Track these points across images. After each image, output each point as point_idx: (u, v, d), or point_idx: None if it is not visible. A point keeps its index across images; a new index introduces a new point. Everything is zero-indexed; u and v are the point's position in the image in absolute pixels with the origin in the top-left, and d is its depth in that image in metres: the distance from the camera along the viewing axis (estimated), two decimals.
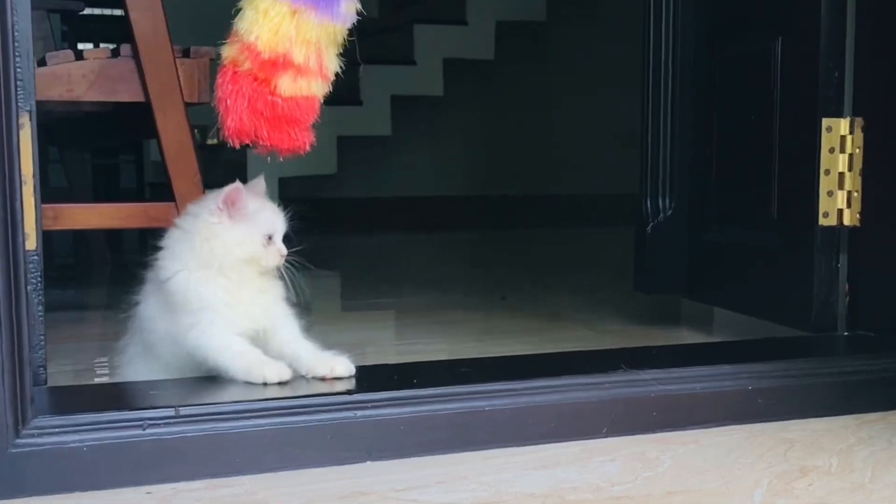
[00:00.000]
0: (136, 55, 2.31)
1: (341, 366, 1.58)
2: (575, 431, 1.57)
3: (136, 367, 1.62)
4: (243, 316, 1.55)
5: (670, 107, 2.36)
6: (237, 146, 1.70)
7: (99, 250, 3.66)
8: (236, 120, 1.67)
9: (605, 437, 1.59)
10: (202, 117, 5.87)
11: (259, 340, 1.57)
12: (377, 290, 3.34)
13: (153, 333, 1.58)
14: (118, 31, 2.40)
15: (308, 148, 1.73)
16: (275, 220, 1.58)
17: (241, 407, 1.41)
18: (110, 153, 6.34)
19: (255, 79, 1.67)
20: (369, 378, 1.59)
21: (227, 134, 1.69)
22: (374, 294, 3.23)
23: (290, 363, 1.56)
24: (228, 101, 1.67)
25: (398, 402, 1.49)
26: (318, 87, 1.71)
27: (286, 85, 1.68)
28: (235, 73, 1.67)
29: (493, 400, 1.54)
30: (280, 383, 1.51)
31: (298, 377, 1.56)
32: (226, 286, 1.54)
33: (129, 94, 2.33)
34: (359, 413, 1.46)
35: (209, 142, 4.48)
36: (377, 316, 2.85)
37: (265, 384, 1.50)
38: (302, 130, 1.71)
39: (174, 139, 2.35)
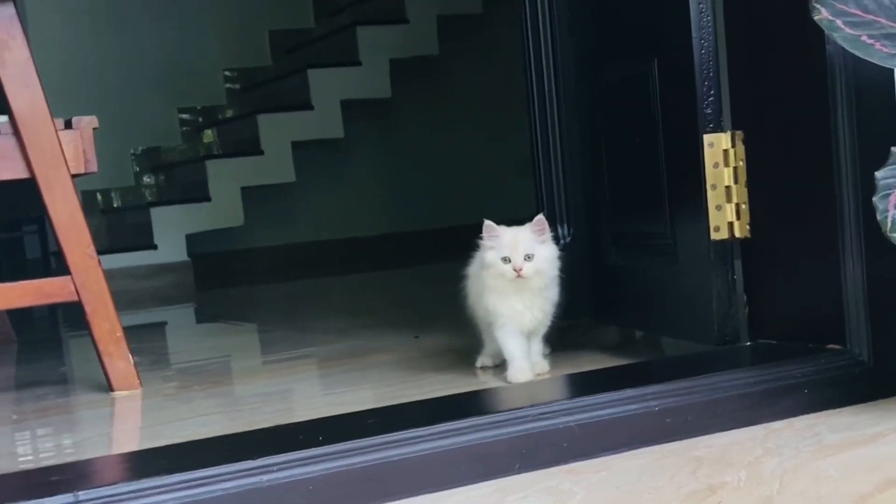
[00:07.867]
0: (16, 132, 2.28)
1: (539, 367, 2.10)
2: (487, 471, 1.57)
3: None
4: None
5: (559, 137, 2.39)
6: None
7: (3, 330, 3.57)
8: None
9: (519, 472, 1.59)
10: (100, 182, 5.78)
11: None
12: (297, 339, 3.31)
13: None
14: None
15: None
16: (509, 246, 1.96)
17: (141, 486, 1.39)
18: (13, 226, 6.24)
19: None
20: (274, 440, 1.57)
21: None
22: (294, 344, 3.20)
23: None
24: None
25: (305, 461, 1.47)
26: None
27: None
28: None
29: (402, 448, 1.53)
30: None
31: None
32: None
33: (12, 171, 2.29)
34: (265, 478, 1.44)
35: None
36: (299, 367, 2.82)
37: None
38: None
39: (63, 212, 2.32)
